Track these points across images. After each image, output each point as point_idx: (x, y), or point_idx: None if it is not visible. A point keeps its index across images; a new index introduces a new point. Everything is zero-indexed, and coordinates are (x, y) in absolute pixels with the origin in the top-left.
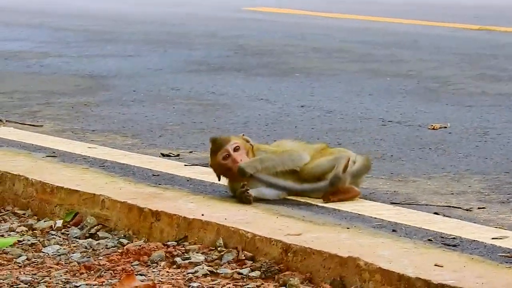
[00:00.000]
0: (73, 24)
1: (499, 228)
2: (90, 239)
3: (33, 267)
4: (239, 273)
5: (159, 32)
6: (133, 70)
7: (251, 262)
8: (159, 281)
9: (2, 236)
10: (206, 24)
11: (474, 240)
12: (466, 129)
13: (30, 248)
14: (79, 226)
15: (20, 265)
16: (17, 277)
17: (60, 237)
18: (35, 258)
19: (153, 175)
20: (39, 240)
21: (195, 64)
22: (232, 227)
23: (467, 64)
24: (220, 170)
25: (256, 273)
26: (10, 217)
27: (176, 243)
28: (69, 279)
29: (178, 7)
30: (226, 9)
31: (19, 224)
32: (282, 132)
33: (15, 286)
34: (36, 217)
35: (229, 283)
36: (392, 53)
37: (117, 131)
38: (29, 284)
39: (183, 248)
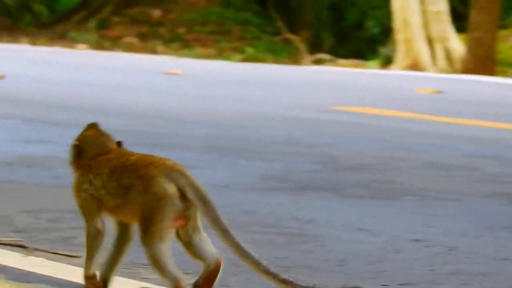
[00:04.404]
0: (114, 122)
1: None
2: None
3: None
4: None
5: (226, 137)
6: None
7: None
8: None
9: None
10: (285, 128)
11: None
12: None
13: None
14: None
15: None
16: None
17: None
18: None
19: None
20: None
21: (274, 180)
22: None
23: None
24: None
25: None
26: None
27: None
28: None
29: (250, 105)
30: (311, 108)
31: None
32: (391, 274)
33: None
34: None
35: None
36: None
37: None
38: None
39: None
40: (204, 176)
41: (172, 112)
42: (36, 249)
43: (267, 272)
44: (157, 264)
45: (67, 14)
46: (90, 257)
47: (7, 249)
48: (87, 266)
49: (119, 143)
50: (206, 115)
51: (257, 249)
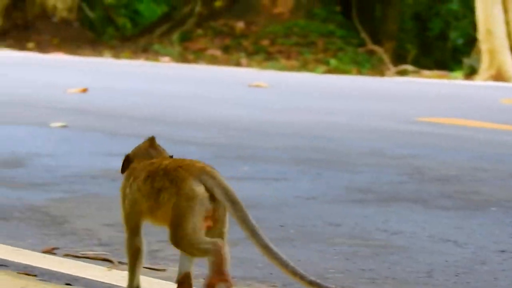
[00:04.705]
0: (198, 136)
1: None
2: None
3: None
4: None
5: (311, 148)
6: (278, 198)
7: None
8: None
9: None
10: (370, 139)
11: None
12: None
13: None
14: None
15: None
16: None
17: None
18: None
19: None
20: None
21: (359, 192)
22: None
23: None
24: None
25: None
26: None
27: None
28: None
29: (334, 116)
30: (395, 119)
31: None
32: (478, 286)
33: None
34: None
35: None
36: None
37: (262, 279)
38: None
39: None
40: (289, 188)
41: (257, 125)
42: (121, 263)
43: (294, 273)
44: (194, 245)
45: (150, 27)
46: (131, 271)
47: (91, 263)
48: (129, 279)
49: (171, 158)
50: (291, 127)
51: (342, 260)
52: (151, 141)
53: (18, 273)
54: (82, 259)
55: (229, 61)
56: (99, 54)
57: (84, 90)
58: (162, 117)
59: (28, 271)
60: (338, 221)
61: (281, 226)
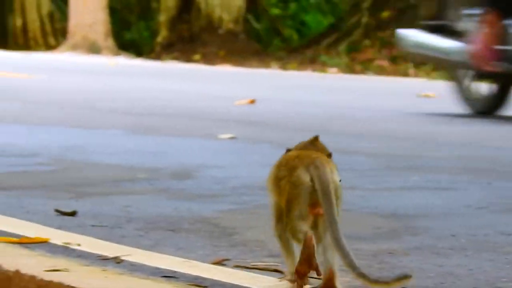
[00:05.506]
0: (366, 146)
1: None
2: None
3: None
4: None
5: (480, 158)
6: (448, 207)
7: None
8: None
9: None
10: None
11: None
12: None
13: None
14: None
15: None
16: None
17: None
18: None
19: None
20: None
21: None
22: None
23: None
24: None
25: None
26: None
27: None
28: None
29: (503, 125)
30: None
31: None
32: None
33: None
34: None
35: None
36: None
37: None
38: None
39: None
40: (459, 197)
41: (425, 134)
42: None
43: (358, 274)
44: (295, 233)
45: (317, 38)
46: (285, 257)
47: (262, 274)
48: (286, 265)
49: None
50: (460, 136)
51: None
52: (312, 139)
53: (188, 284)
54: (252, 270)
55: (397, 72)
56: (266, 65)
57: (252, 102)
58: (330, 128)
59: (198, 283)
60: (509, 230)
61: (452, 235)
